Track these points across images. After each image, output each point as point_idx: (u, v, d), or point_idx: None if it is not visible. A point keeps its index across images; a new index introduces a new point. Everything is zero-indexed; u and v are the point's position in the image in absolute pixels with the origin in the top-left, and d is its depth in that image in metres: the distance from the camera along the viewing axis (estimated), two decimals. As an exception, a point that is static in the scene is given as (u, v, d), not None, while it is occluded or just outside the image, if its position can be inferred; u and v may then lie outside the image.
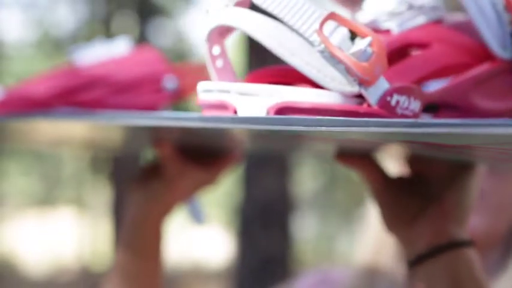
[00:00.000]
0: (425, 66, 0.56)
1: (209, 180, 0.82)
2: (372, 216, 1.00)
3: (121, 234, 0.83)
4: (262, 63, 4.06)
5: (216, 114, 0.54)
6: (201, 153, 0.81)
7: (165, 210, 0.83)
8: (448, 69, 0.57)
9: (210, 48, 0.57)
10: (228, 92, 0.53)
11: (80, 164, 9.78)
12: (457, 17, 0.61)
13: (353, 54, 0.49)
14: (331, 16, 0.50)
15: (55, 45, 8.20)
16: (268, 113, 0.52)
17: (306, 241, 10.71)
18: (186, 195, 0.83)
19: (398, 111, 0.51)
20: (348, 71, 0.49)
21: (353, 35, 0.51)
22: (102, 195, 9.91)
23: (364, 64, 0.49)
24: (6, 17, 10.81)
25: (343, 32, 0.50)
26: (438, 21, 0.59)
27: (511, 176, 0.91)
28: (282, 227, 4.21)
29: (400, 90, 0.51)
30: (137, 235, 0.82)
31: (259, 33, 0.52)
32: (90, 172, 9.67)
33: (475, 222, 0.90)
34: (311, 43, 0.51)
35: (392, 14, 0.58)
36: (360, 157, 0.68)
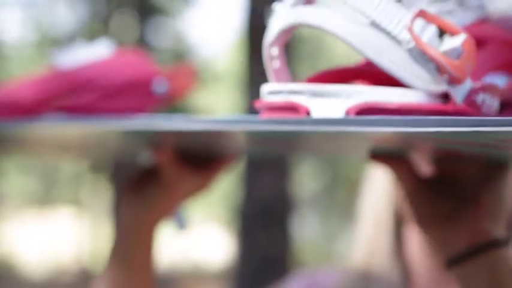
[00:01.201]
0: (485, 63, 0.56)
1: (204, 184, 0.81)
2: (364, 216, 1.00)
3: (114, 240, 0.81)
4: (261, 64, 4.04)
5: (287, 117, 0.53)
6: (196, 157, 0.80)
7: (160, 216, 0.81)
8: (504, 66, 0.57)
9: (270, 48, 0.56)
10: (299, 93, 0.52)
11: (79, 165, 9.79)
12: (498, 15, 0.61)
13: (445, 52, 0.49)
14: (421, 14, 0.49)
15: (55, 45, 8.21)
16: (347, 114, 0.50)
17: (306, 241, 10.71)
18: (181, 200, 0.81)
19: (484, 109, 0.51)
20: (439, 69, 0.49)
21: (440, 33, 0.50)
22: (101, 196, 9.91)
23: (456, 62, 0.49)
24: (6, 17, 10.80)
25: (433, 29, 0.50)
26: (485, 19, 0.59)
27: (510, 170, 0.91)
28: (282, 227, 4.22)
29: (486, 89, 0.50)
30: (131, 241, 0.80)
31: (343, 32, 0.52)
32: (89, 173, 9.68)
33: None
34: (398, 41, 0.50)
35: (444, 12, 0.58)
36: (394, 157, 0.67)
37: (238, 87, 5.24)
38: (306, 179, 12.06)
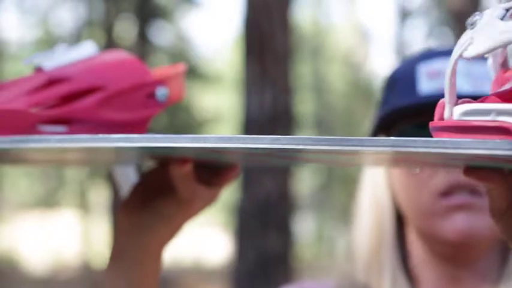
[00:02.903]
0: None
1: (213, 198, 0.76)
2: (362, 218, 0.98)
3: (118, 254, 0.74)
4: (260, 64, 4.11)
5: (496, 139, 0.48)
6: (207, 170, 0.75)
7: (172, 234, 0.75)
8: None
9: (455, 64, 0.53)
10: None
11: (79, 169, 9.81)
12: None
13: None
14: None
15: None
16: None
17: (305, 239, 10.73)
18: (193, 217, 0.76)
19: None
20: None
21: None
22: (100, 195, 9.92)
23: None
24: (8, 16, 10.83)
25: None
26: None
27: None
28: (281, 226, 4.21)
29: None
30: (141, 259, 0.74)
31: None
32: (90, 173, 9.70)
33: (481, 222, 0.88)
34: None
35: None
36: (489, 172, 0.62)
37: (236, 87, 5.25)
38: (304, 178, 12.05)
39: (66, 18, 9.12)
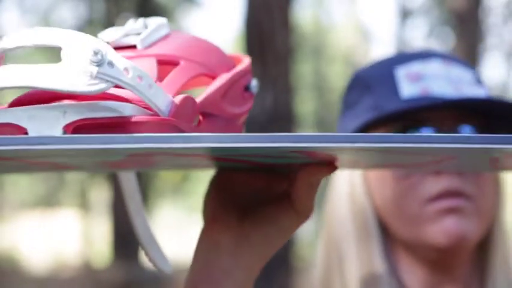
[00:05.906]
0: None
1: None
2: (342, 224, 0.94)
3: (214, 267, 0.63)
4: (261, 64, 4.12)
5: None
6: None
7: (275, 251, 0.63)
8: None
9: None
10: None
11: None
12: None
13: None
14: None
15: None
16: None
17: (305, 239, 10.74)
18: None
19: None
20: None
21: None
22: (102, 194, 9.94)
23: None
24: (9, 16, 10.87)
25: None
26: None
27: (490, 179, 0.89)
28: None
29: None
30: (242, 286, 0.61)
31: None
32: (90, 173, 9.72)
33: (471, 227, 0.87)
34: None
35: None
36: None
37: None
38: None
39: (67, 17, 9.14)
